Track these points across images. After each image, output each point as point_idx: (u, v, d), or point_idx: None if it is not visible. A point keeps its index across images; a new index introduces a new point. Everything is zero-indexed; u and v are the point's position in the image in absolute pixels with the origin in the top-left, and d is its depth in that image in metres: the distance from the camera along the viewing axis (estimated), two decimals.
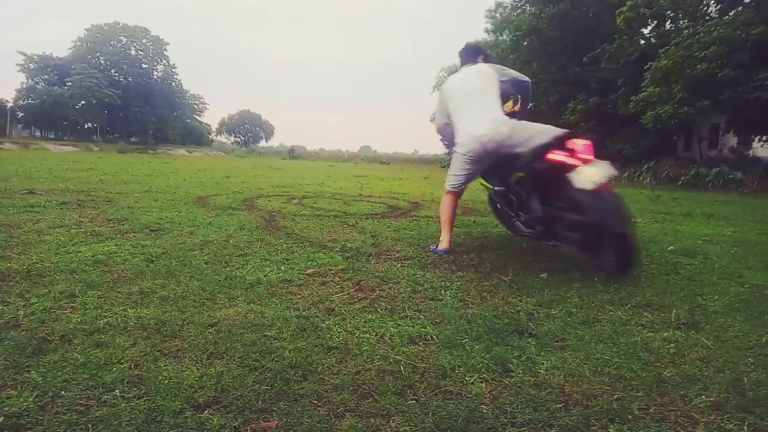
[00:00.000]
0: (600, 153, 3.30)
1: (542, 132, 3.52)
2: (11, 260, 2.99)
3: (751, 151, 18.36)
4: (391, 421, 1.48)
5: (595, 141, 3.23)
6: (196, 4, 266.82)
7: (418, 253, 3.69)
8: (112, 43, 60.49)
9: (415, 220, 5.55)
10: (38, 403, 1.48)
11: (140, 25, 63.35)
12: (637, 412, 1.56)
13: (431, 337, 2.11)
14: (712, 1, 18.23)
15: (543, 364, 1.88)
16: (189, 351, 1.88)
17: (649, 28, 20.87)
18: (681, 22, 18.68)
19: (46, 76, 57.10)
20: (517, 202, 3.80)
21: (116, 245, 3.52)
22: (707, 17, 17.38)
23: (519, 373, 1.80)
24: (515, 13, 27.61)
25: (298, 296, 2.58)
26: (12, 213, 4.65)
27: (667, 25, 19.80)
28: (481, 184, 4.32)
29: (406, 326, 2.22)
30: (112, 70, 60.34)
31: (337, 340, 2.04)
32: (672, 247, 4.15)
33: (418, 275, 3.07)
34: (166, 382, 1.62)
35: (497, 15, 32.77)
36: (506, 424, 1.48)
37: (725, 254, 4.03)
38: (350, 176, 14.81)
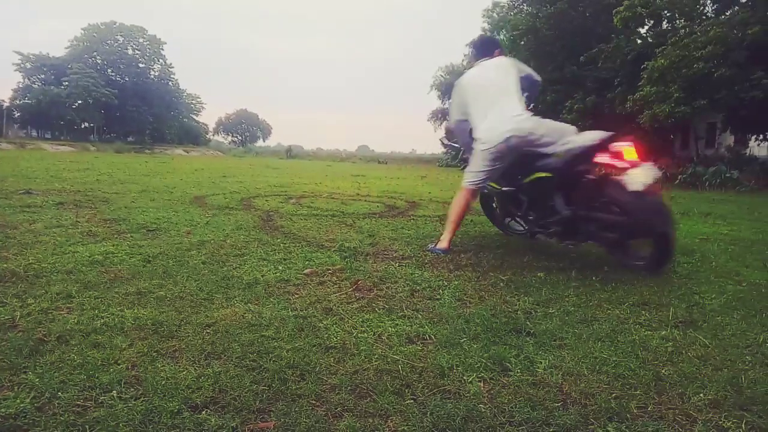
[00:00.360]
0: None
1: (565, 130, 3.55)
2: (8, 261, 2.98)
3: (747, 150, 18.44)
4: (389, 421, 1.48)
5: (637, 143, 3.27)
6: (195, 3, 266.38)
7: (416, 253, 3.69)
8: (108, 42, 60.27)
9: (413, 219, 5.55)
10: (35, 404, 1.48)
11: (139, 24, 63.36)
12: (635, 411, 1.57)
13: (429, 336, 2.11)
14: (709, 1, 18.29)
15: (541, 363, 1.88)
16: (186, 351, 1.87)
17: (646, 27, 20.89)
18: (678, 21, 18.70)
19: (43, 76, 56.89)
20: (528, 202, 3.80)
21: (113, 245, 3.51)
22: (704, 17, 17.42)
23: (517, 372, 1.80)
24: (512, 13, 27.63)
25: (296, 296, 2.58)
26: (8, 213, 4.63)
27: (664, 25, 19.83)
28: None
29: (403, 326, 2.22)
30: (109, 70, 60.12)
31: (335, 339, 2.04)
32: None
33: (416, 275, 3.07)
34: (164, 382, 1.62)
35: (494, 14, 32.81)
36: (504, 423, 1.48)
37: (722, 253, 4.04)
38: (348, 176, 14.80)
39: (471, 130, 3.81)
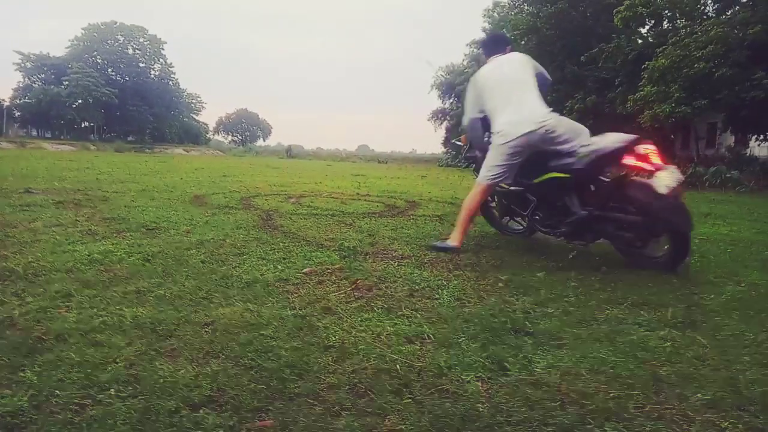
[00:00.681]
0: None
1: (580, 130, 3.58)
2: (7, 259, 2.98)
3: (748, 150, 18.40)
4: (387, 420, 1.48)
5: (659, 145, 3.34)
6: (195, 3, 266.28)
7: (416, 252, 3.69)
8: (109, 42, 60.27)
9: (413, 219, 5.55)
10: (33, 403, 1.48)
11: (140, 24, 63.31)
12: (633, 411, 1.57)
13: (428, 336, 2.11)
14: (710, 1, 18.26)
15: (539, 362, 1.88)
16: (185, 350, 1.87)
17: (647, 27, 20.86)
18: (678, 21, 18.67)
19: (43, 75, 56.95)
20: (536, 202, 3.82)
21: (112, 244, 3.51)
22: (704, 17, 17.39)
23: (515, 371, 1.80)
24: (513, 13, 27.58)
25: (295, 295, 2.58)
26: (8, 212, 4.64)
27: (665, 25, 19.80)
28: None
29: (402, 325, 2.22)
30: (109, 69, 60.11)
31: (334, 339, 2.04)
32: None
33: (415, 274, 3.07)
34: (162, 381, 1.62)
35: (495, 14, 32.79)
36: (502, 423, 1.48)
37: (722, 253, 4.04)
38: (348, 175, 14.79)
39: (482, 127, 3.83)
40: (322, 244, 3.85)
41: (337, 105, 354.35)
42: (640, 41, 20.52)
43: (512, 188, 3.90)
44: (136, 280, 2.70)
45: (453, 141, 5.41)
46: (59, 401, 1.49)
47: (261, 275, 2.90)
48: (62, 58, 57.27)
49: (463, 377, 1.75)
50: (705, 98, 14.87)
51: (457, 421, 1.48)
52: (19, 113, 56.29)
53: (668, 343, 2.10)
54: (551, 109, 3.63)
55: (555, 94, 22.86)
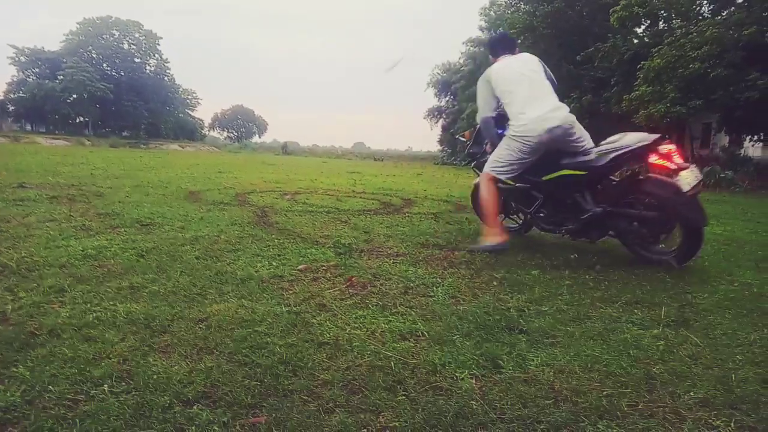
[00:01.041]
0: None
1: (586, 134, 3.66)
2: (0, 254, 2.96)
3: (742, 151, 18.48)
4: (380, 417, 1.48)
5: (678, 145, 3.40)
6: (195, 2, 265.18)
7: (410, 250, 3.69)
8: (104, 36, 59.83)
9: (408, 216, 5.55)
10: (25, 398, 1.47)
11: (139, 20, 62.98)
12: (625, 409, 1.57)
13: (422, 333, 2.11)
14: (705, 1, 18.30)
15: (533, 360, 1.89)
16: (178, 346, 1.87)
17: (643, 27, 20.90)
18: (674, 21, 18.71)
19: (38, 70, 56.51)
20: (543, 199, 3.84)
21: (107, 240, 3.49)
22: (700, 17, 17.43)
23: (509, 369, 1.81)
24: (509, 11, 27.55)
25: (290, 292, 2.58)
26: (1, 207, 4.61)
27: (660, 25, 19.84)
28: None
29: (397, 322, 2.22)
30: (104, 64, 59.70)
31: (328, 336, 2.04)
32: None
33: (410, 272, 3.07)
34: (155, 377, 1.62)
35: (491, 13, 32.70)
36: (495, 420, 1.49)
37: (715, 252, 4.06)
38: (343, 172, 14.78)
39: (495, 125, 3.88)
40: (317, 241, 3.85)
41: (333, 103, 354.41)
42: (635, 41, 20.55)
43: (518, 185, 3.91)
44: (130, 276, 2.69)
45: (457, 136, 5.41)
46: (52, 396, 1.49)
47: (256, 272, 2.90)
48: (57, 52, 56.82)
49: (457, 374, 1.75)
50: (700, 98, 14.91)
51: (450, 418, 1.48)
52: (13, 108, 55.90)
53: (661, 342, 2.11)
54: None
55: None
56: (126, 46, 61.83)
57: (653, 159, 3.39)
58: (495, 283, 2.91)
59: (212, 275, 2.79)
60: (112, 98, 55.51)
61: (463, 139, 4.68)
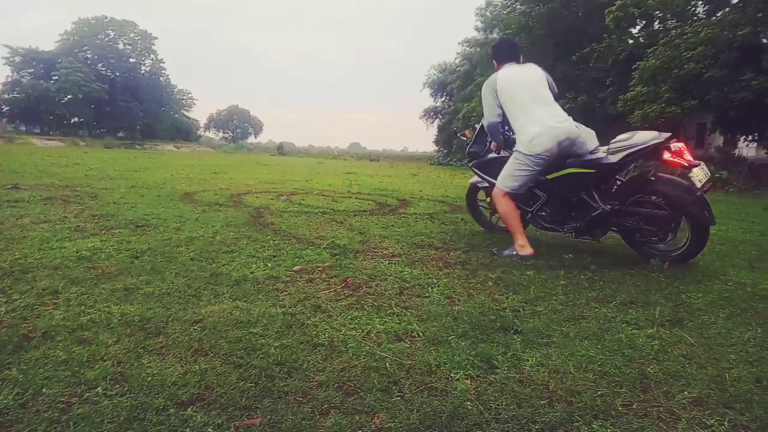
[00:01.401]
0: None
1: (592, 134, 3.75)
2: None
3: (736, 151, 18.56)
4: (375, 418, 1.48)
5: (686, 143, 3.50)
6: (195, 2, 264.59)
7: (406, 251, 3.69)
8: (99, 36, 59.56)
9: (404, 217, 5.55)
10: (18, 401, 1.47)
11: (135, 20, 62.73)
12: (620, 408, 1.58)
13: (417, 334, 2.11)
14: (700, 2, 18.38)
15: (528, 360, 1.89)
16: (173, 348, 1.86)
17: (638, 27, 21.00)
18: (669, 22, 18.80)
19: (32, 70, 56.19)
20: (547, 198, 3.87)
21: (101, 241, 3.48)
22: (695, 18, 17.51)
23: (504, 369, 1.81)
24: (505, 12, 27.63)
25: (285, 293, 2.58)
26: None
27: (656, 25, 19.92)
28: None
29: (392, 323, 2.22)
30: (99, 65, 59.45)
31: (323, 337, 2.04)
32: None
33: (406, 272, 3.07)
34: (150, 379, 1.61)
35: (487, 13, 32.76)
36: (490, 421, 1.49)
37: (709, 252, 4.07)
38: (339, 173, 14.78)
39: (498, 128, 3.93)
40: (312, 242, 3.84)
41: (329, 102, 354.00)
42: (631, 41, 20.63)
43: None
44: (124, 278, 2.68)
45: (458, 135, 5.43)
46: (45, 399, 1.48)
47: (251, 273, 2.90)
48: (52, 52, 56.54)
49: (452, 375, 1.75)
50: (694, 99, 14.98)
51: (445, 418, 1.48)
52: (7, 108, 55.52)
53: (656, 342, 2.12)
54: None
55: None
56: (121, 46, 61.59)
57: (667, 156, 3.40)
58: (490, 283, 2.92)
59: (207, 276, 2.78)
60: (107, 99, 55.28)
61: (464, 138, 4.68)
